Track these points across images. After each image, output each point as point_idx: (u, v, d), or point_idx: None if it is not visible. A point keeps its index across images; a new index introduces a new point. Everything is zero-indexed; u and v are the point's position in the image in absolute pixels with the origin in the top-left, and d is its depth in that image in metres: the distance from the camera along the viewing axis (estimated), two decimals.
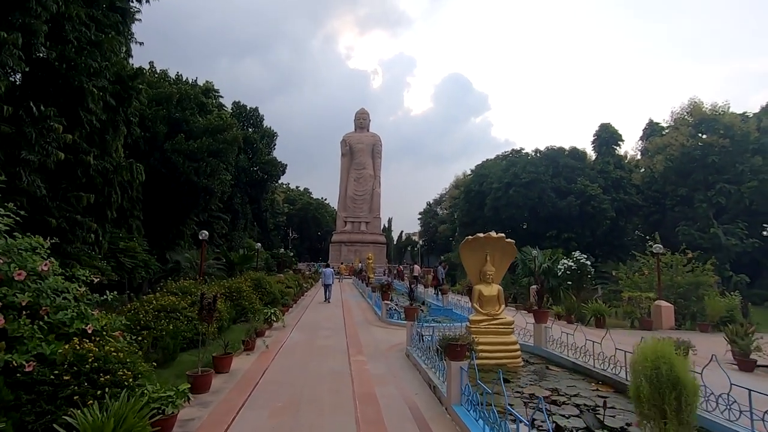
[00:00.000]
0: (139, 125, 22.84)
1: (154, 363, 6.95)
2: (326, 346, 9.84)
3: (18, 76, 13.87)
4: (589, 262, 22.12)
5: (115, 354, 5.64)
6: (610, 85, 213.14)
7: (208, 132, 25.53)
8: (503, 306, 8.89)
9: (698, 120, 34.28)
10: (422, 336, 8.88)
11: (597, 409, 5.91)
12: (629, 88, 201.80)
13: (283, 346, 9.83)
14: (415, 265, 49.97)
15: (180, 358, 9.47)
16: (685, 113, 36.47)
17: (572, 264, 22.02)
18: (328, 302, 20.78)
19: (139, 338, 9.59)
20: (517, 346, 8.55)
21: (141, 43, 18.50)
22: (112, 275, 17.59)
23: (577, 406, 6.06)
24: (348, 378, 7.29)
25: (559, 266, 22.85)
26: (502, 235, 8.80)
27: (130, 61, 19.35)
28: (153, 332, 9.76)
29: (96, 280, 6.48)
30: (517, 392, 6.72)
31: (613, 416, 5.65)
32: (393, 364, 8.35)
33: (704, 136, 33.26)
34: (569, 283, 22.35)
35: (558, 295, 24.94)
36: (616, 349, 7.15)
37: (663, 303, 13.85)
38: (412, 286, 9.91)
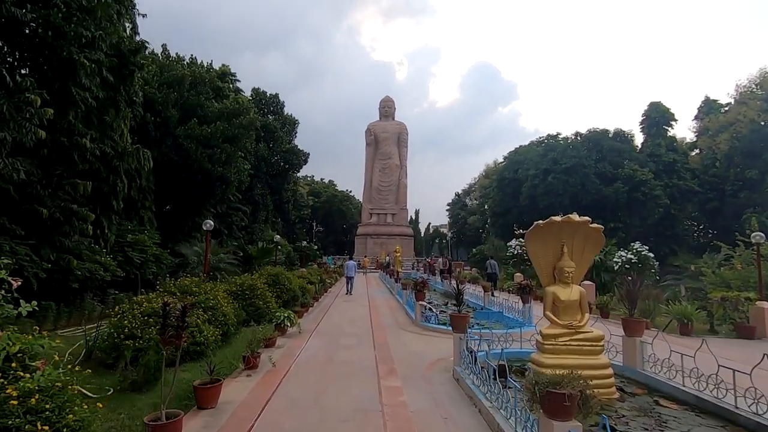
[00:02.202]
0: (148, 109, 21.29)
1: (98, 392, 4.93)
2: (349, 363, 7.72)
3: None
4: (652, 254, 19.25)
5: (15, 402, 3.61)
6: (651, 63, 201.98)
7: (223, 116, 23.82)
8: (587, 314, 6.52)
9: None
10: (474, 353, 6.67)
11: None
12: (674, 65, 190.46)
13: (295, 362, 7.77)
14: (439, 258, 47.47)
15: (167, 376, 7.56)
16: (754, 85, 32.35)
17: (632, 257, 19.22)
18: (350, 294, 20.76)
19: (118, 353, 7.83)
20: (611, 371, 6.19)
21: (144, 15, 16.73)
22: (118, 271, 16.06)
23: None
24: (379, 419, 5.13)
25: (615, 259, 20.09)
26: (587, 218, 6.41)
27: (137, 39, 17.68)
28: (138, 342, 7.90)
29: (17, 284, 4.54)
30: None
31: None
32: (438, 393, 6.14)
33: None
34: (629, 278, 19.55)
35: (612, 292, 22.17)
36: None
37: (767, 305, 11.09)
38: (461, 285, 7.57)
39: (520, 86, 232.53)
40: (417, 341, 9.71)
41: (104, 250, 16.38)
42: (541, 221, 6.51)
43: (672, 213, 37.24)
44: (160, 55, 25.69)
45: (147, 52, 25.14)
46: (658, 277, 19.68)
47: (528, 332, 8.67)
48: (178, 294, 10.24)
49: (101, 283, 15.50)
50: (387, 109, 70.58)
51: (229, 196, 28.07)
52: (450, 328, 10.99)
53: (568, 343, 6.24)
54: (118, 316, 8.75)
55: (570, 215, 6.38)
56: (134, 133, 20.06)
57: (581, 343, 6.23)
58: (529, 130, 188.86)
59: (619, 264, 19.58)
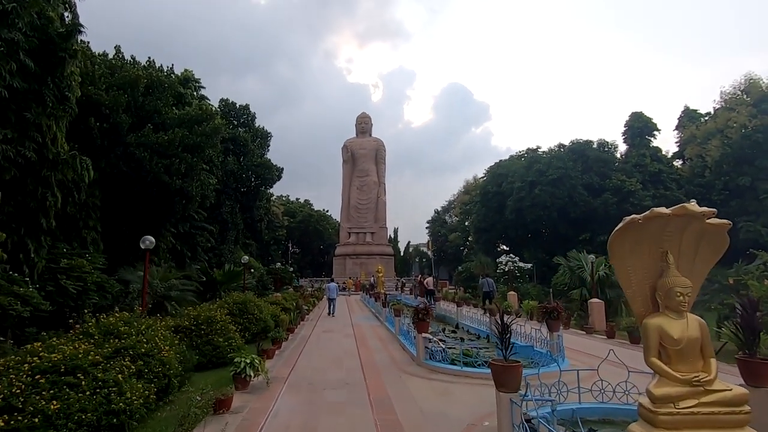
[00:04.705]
0: (93, 113, 18.41)
1: None
2: None
3: None
4: None
5: None
6: (623, 78, 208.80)
7: (184, 123, 21.13)
8: (714, 360, 4.19)
9: (757, 98, 29.71)
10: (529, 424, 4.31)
11: None
12: (645, 79, 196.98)
13: None
14: (429, 278, 45.19)
15: None
16: (739, 91, 31.91)
17: None
18: (333, 316, 20.75)
19: None
20: None
21: None
22: (43, 304, 12.97)
23: None
24: None
25: None
26: (710, 210, 4.16)
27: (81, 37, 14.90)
28: (16, 420, 5.16)
29: None
30: None
31: None
32: None
33: None
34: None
35: (619, 309, 20.21)
36: None
37: None
38: (504, 317, 5.09)
39: (492, 107, 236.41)
40: (427, 392, 7.19)
41: (27, 279, 13.31)
42: (636, 215, 4.22)
43: None
44: (112, 57, 22.92)
45: (98, 53, 22.50)
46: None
47: (586, 375, 6.32)
48: (96, 337, 7.52)
49: (18, 321, 12.38)
50: (363, 125, 68.90)
51: (192, 213, 25.11)
52: (464, 368, 8.58)
53: (695, 410, 3.89)
54: None
55: (685, 205, 4.12)
56: (74, 140, 17.16)
57: (715, 409, 3.90)
58: (501, 149, 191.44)
59: None
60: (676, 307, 4.19)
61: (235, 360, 7.40)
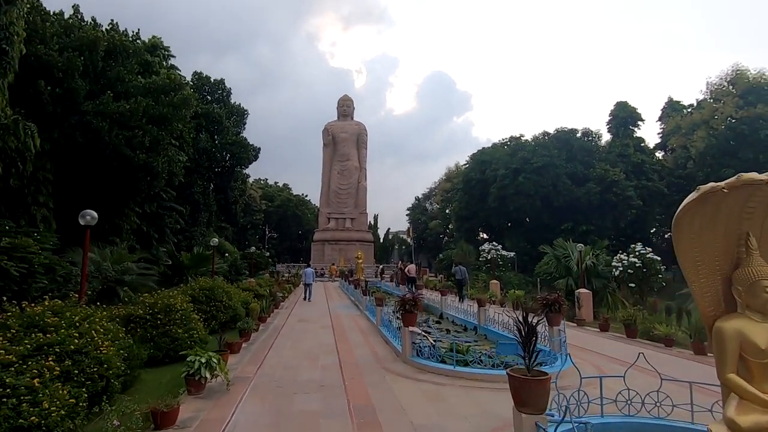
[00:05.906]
0: (44, 76, 16.52)
1: None
2: None
3: None
4: (659, 258, 16.85)
5: None
6: (608, 71, 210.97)
7: (149, 93, 19.30)
8: None
9: (745, 89, 29.48)
10: None
11: None
12: (628, 71, 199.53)
13: None
14: (411, 265, 44.44)
15: None
16: (725, 83, 31.67)
17: (636, 260, 16.71)
18: (309, 301, 20.66)
19: None
20: None
21: None
22: None
23: None
24: None
25: (614, 263, 17.57)
26: None
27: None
28: None
29: None
30: None
31: None
32: None
33: (757, 108, 28.27)
34: (632, 285, 17.05)
35: (606, 300, 19.67)
36: None
37: None
38: (533, 317, 3.99)
39: (474, 97, 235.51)
40: (417, 397, 6.13)
41: None
42: (718, 183, 3.16)
43: (642, 215, 36.16)
44: (69, 17, 20.74)
45: (52, 12, 20.31)
46: (664, 284, 17.30)
47: (607, 381, 5.31)
48: (14, 330, 6.16)
49: None
50: (346, 108, 67.03)
51: (161, 192, 23.36)
52: (457, 367, 7.54)
53: None
54: None
55: None
56: (20, 105, 15.32)
57: None
58: (482, 140, 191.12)
59: (620, 269, 17.03)
60: (761, 307, 3.17)
61: (188, 359, 6.16)
